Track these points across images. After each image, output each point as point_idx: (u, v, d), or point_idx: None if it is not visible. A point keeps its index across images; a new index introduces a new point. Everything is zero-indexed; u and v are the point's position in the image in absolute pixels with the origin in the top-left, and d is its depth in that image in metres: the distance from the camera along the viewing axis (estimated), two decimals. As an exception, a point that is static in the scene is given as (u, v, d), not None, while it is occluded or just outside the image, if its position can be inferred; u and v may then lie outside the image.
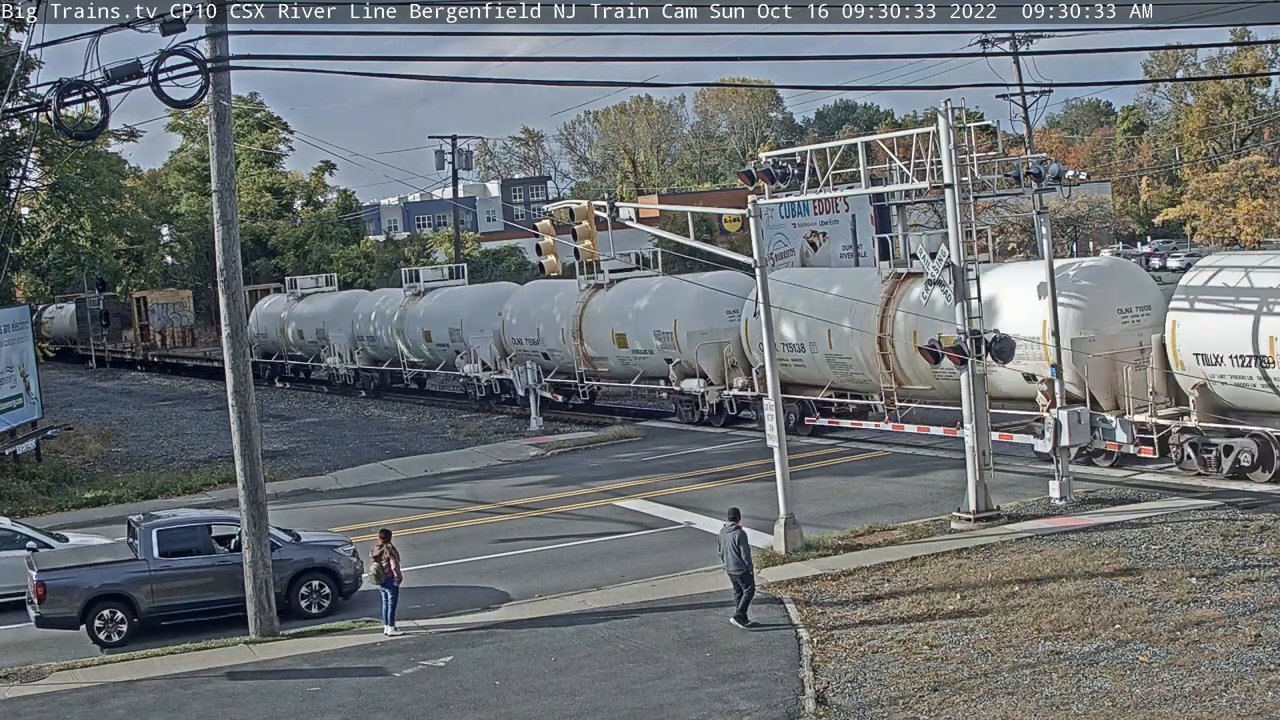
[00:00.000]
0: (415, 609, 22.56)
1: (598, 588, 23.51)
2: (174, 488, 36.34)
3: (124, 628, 22.28)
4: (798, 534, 24.51)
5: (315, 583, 22.96)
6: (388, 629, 21.35)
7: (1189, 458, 27.84)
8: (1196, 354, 27.26)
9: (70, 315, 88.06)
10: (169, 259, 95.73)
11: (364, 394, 57.86)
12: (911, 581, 21.92)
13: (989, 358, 25.77)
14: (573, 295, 44.80)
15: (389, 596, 21.35)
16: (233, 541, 23.18)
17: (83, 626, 22.23)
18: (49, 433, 42.94)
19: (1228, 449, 27.15)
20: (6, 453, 38.71)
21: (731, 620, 20.40)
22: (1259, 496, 25.79)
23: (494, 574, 25.15)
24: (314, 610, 23.04)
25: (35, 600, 22.19)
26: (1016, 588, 20.93)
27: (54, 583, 22.28)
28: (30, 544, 25.20)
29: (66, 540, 25.89)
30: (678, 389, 40.57)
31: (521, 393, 44.21)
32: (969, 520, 25.37)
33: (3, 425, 37.94)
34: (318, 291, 63.47)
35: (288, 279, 67.80)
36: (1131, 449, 28.25)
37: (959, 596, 20.75)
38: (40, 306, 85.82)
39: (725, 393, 39.07)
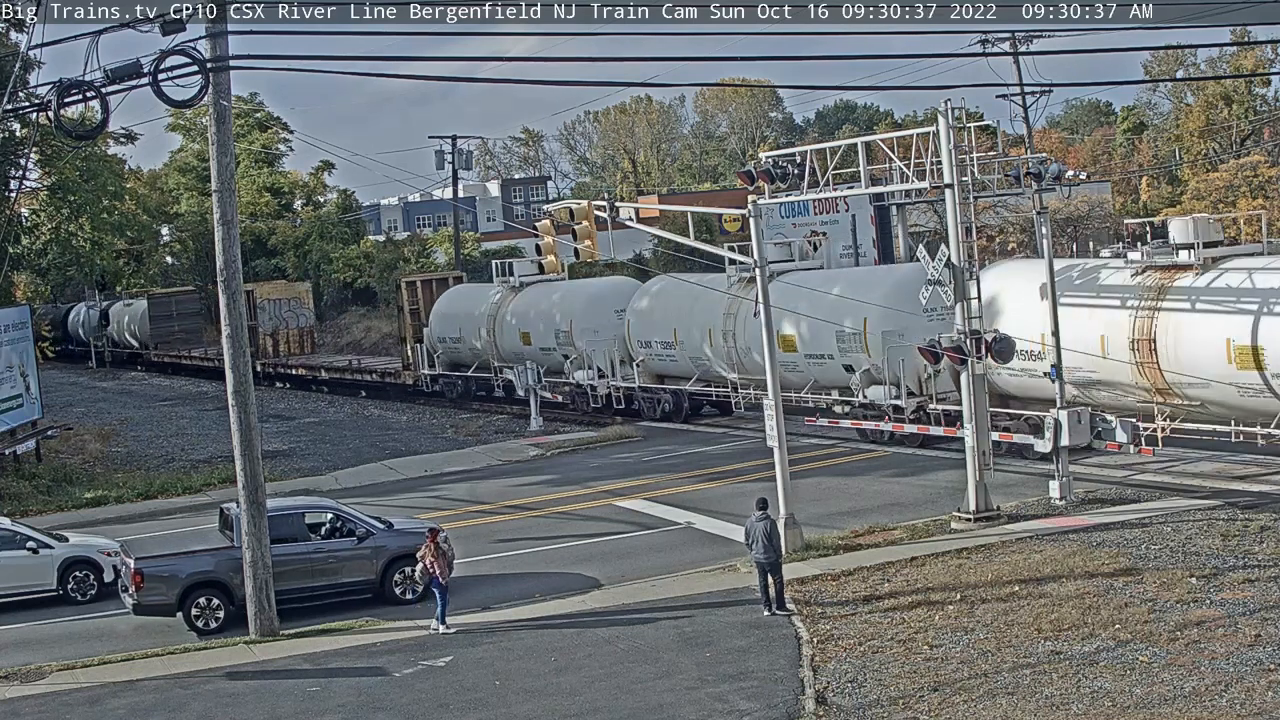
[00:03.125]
0: (416, 609, 22.63)
1: (598, 587, 23.53)
2: (174, 488, 36.39)
3: (220, 615, 22.65)
4: (798, 534, 24.52)
5: (409, 569, 22.92)
6: (440, 627, 21.34)
7: None
8: None
9: (141, 314, 77.01)
10: (169, 259, 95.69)
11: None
12: (911, 581, 21.92)
13: (989, 358, 25.79)
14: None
15: (439, 596, 21.40)
16: (324, 529, 23.78)
17: (179, 614, 22.59)
18: (49, 433, 42.96)
19: None
20: (6, 453, 38.72)
21: (769, 612, 20.62)
22: (1259, 496, 25.79)
23: (495, 574, 25.15)
24: (408, 596, 23.31)
25: (132, 588, 22.45)
26: (1016, 588, 20.94)
27: (152, 570, 22.61)
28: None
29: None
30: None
31: (521, 393, 44.18)
32: (969, 520, 25.38)
33: (3, 425, 37.97)
34: (538, 281, 47.54)
35: (496, 262, 53.31)
36: (1132, 449, 28.28)
37: (959, 596, 20.76)
38: (106, 304, 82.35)
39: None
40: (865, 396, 34.12)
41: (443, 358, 51.69)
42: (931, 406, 32.37)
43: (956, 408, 28.55)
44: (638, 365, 42.03)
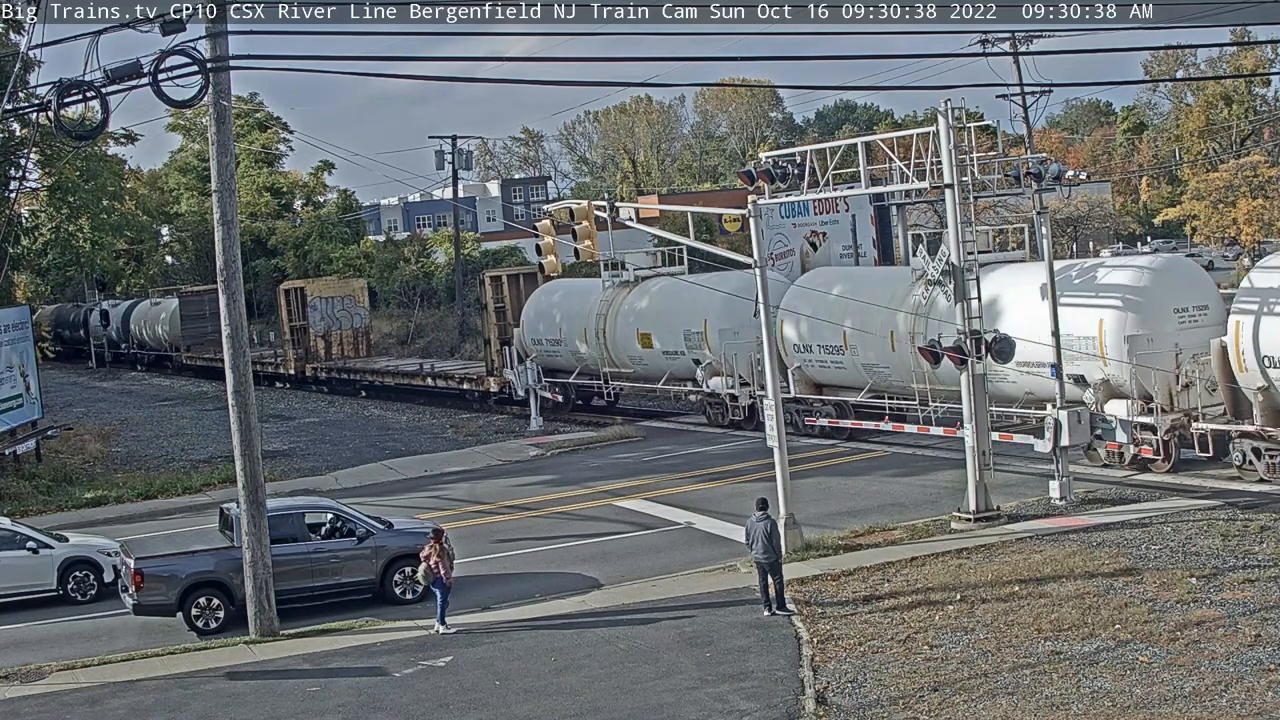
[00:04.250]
0: (416, 609, 22.63)
1: (598, 587, 23.53)
2: (174, 488, 36.39)
3: (221, 614, 22.66)
4: (798, 534, 24.52)
5: (409, 569, 22.94)
6: (440, 627, 21.35)
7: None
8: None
9: (172, 315, 72.12)
10: (169, 259, 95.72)
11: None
12: (912, 581, 21.92)
13: (989, 356, 25.78)
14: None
15: (439, 596, 21.40)
16: (324, 529, 23.79)
17: (179, 614, 22.60)
18: (49, 433, 42.96)
19: None
20: (6, 453, 38.73)
21: (769, 612, 20.64)
22: (1259, 496, 25.79)
23: (495, 574, 25.16)
24: (408, 596, 23.30)
25: (132, 588, 22.46)
26: (1016, 588, 20.94)
27: (152, 570, 22.61)
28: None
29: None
30: None
31: (522, 393, 44.13)
32: (969, 520, 25.38)
33: (3, 425, 37.97)
34: (658, 274, 42.77)
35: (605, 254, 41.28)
36: (1132, 449, 28.30)
37: (959, 596, 20.75)
38: (131, 302, 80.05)
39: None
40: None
41: (537, 362, 45.28)
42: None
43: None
44: (792, 372, 36.18)
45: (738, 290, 35.88)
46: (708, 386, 38.78)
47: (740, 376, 37.73)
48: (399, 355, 65.25)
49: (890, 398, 33.78)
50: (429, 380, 53.03)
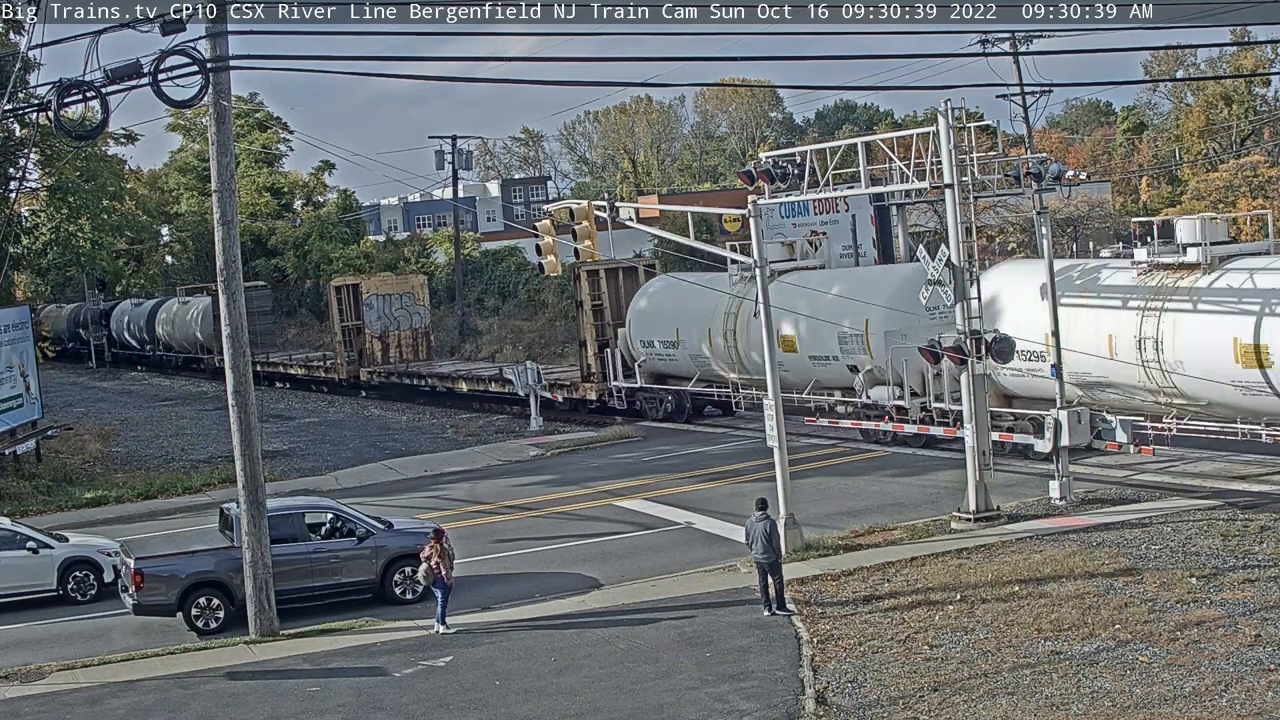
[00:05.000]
0: (416, 609, 22.63)
1: (598, 587, 23.53)
2: (174, 488, 36.40)
3: (221, 614, 22.67)
4: (798, 534, 24.52)
5: (409, 569, 22.94)
6: (440, 627, 21.35)
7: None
8: None
9: (204, 313, 66.51)
10: (169, 259, 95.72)
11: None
12: (911, 581, 21.92)
13: (989, 357, 25.79)
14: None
15: (439, 596, 21.41)
16: (324, 529, 23.80)
17: (179, 614, 22.62)
18: (49, 433, 42.97)
19: None
20: (6, 453, 38.73)
21: (769, 612, 20.65)
22: (1259, 496, 25.80)
23: (495, 574, 25.15)
24: (408, 596, 23.31)
25: (132, 588, 22.47)
26: (1016, 588, 20.94)
27: (152, 570, 22.62)
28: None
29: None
30: None
31: (522, 393, 44.08)
32: (969, 520, 25.38)
33: (3, 425, 37.98)
34: (799, 268, 37.28)
35: (733, 245, 36.37)
36: (1132, 449, 28.29)
37: (959, 596, 20.75)
38: (156, 301, 77.11)
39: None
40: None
41: (646, 367, 41.48)
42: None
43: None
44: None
45: (905, 286, 31.81)
46: (867, 397, 33.82)
47: (911, 387, 32.28)
48: (460, 357, 61.36)
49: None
50: (460, 384, 49.55)
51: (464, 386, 50.76)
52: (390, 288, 57.84)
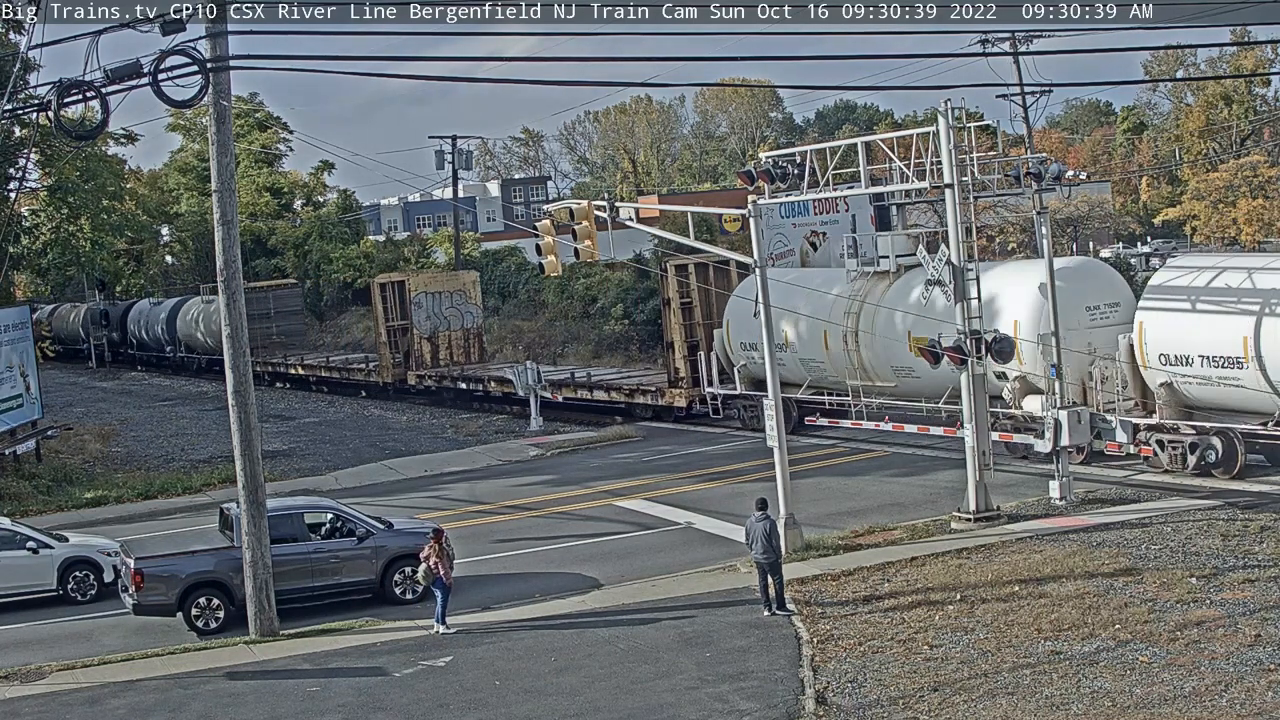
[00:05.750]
0: (416, 609, 22.63)
1: (598, 587, 23.53)
2: (174, 488, 36.40)
3: (221, 615, 22.68)
4: (798, 534, 24.53)
5: (409, 569, 22.94)
6: (440, 627, 21.36)
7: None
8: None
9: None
10: (169, 259, 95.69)
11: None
12: (911, 581, 21.92)
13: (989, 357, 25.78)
14: None
15: (439, 596, 21.42)
16: (324, 529, 23.80)
17: (179, 614, 22.63)
18: (49, 433, 42.97)
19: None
20: (6, 453, 38.73)
21: (769, 612, 20.65)
22: (1259, 496, 25.81)
23: (495, 574, 25.15)
24: (408, 596, 23.31)
25: (132, 588, 22.47)
26: (1016, 588, 20.94)
27: (152, 570, 22.62)
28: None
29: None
30: None
31: (522, 394, 44.07)
32: (969, 520, 25.39)
33: (3, 425, 37.97)
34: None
35: (849, 236, 37.62)
36: (1132, 449, 28.32)
37: (959, 596, 20.75)
38: (177, 300, 73.56)
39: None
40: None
41: (746, 372, 38.16)
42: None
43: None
44: (1159, 389, 28.40)
45: (1063, 279, 29.09)
46: (1019, 408, 30.20)
47: (1071, 399, 28.43)
48: (519, 358, 56.32)
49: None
50: (589, 393, 44.63)
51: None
52: (440, 285, 54.85)
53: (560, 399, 45.22)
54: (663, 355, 43.72)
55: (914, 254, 32.43)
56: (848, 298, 34.48)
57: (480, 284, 57.12)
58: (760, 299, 25.73)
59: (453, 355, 53.21)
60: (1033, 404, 29.64)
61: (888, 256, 34.15)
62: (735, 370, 38.53)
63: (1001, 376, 30.00)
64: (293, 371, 61.67)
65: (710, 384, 39.21)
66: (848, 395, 34.52)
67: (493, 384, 48.77)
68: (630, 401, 43.12)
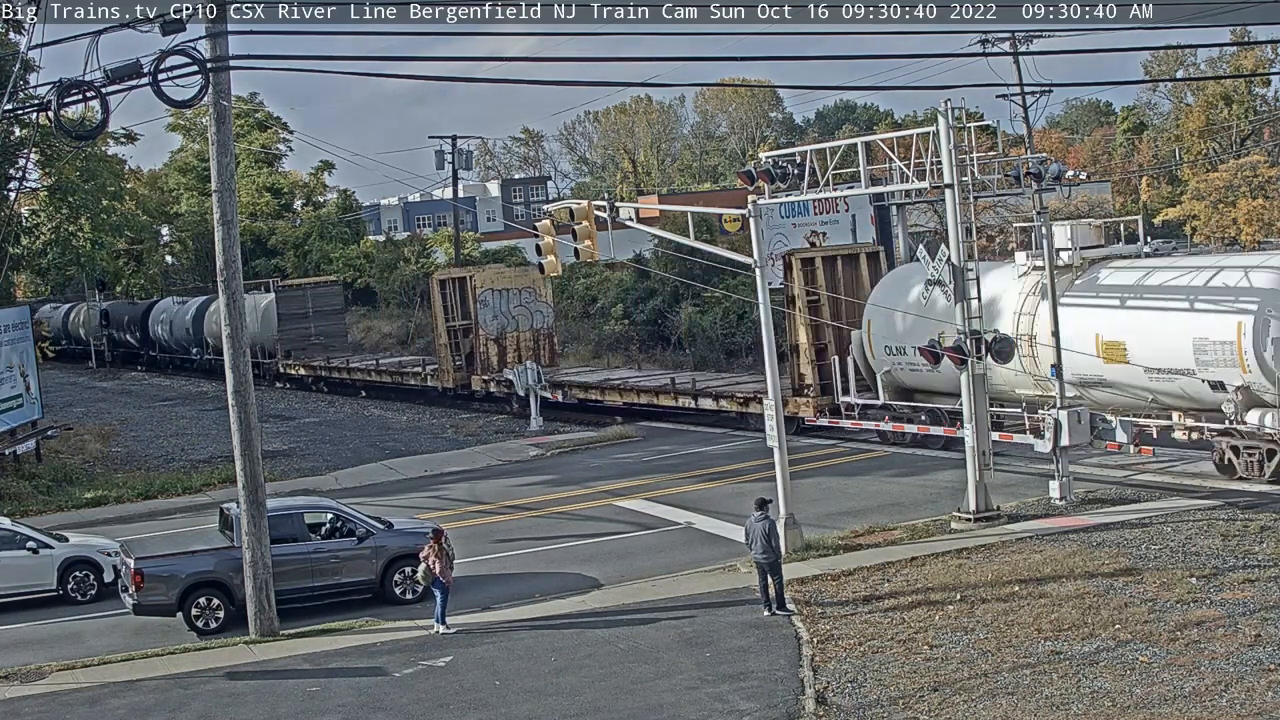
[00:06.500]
0: (416, 609, 22.63)
1: (598, 587, 23.53)
2: (174, 488, 36.40)
3: (221, 615, 22.68)
4: (798, 534, 24.53)
5: (409, 569, 22.94)
6: (440, 627, 21.36)
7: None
8: None
9: (265, 312, 60.86)
10: (169, 259, 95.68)
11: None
12: (912, 581, 21.92)
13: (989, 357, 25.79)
14: None
15: (439, 596, 21.43)
16: (324, 529, 23.81)
17: (179, 614, 22.63)
18: (49, 433, 42.97)
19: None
20: (6, 453, 38.74)
21: (769, 612, 20.65)
22: (1259, 496, 25.80)
23: (495, 574, 25.15)
24: (408, 596, 23.32)
25: (132, 588, 22.47)
26: (1016, 588, 20.94)
27: (152, 570, 22.62)
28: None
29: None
30: None
31: (522, 393, 44.07)
32: (969, 520, 25.39)
33: (3, 425, 37.98)
34: (1120, 255, 31.03)
35: (1018, 225, 34.25)
36: (1132, 449, 28.29)
37: (959, 596, 20.75)
38: (204, 299, 68.47)
39: None
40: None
41: (890, 379, 34.05)
42: None
43: None
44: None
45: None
46: (1243, 423, 26.79)
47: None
48: (582, 361, 54.61)
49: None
50: (687, 400, 40.64)
51: (616, 399, 42.86)
52: (507, 282, 49.97)
53: (638, 404, 41.58)
54: (789, 360, 36.79)
55: (1096, 244, 30.79)
56: (1019, 296, 30.60)
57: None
58: (760, 299, 25.70)
59: (520, 358, 48.16)
60: (1261, 418, 26.50)
61: (1069, 249, 30.07)
62: (878, 377, 34.22)
63: (1219, 387, 26.90)
64: (337, 376, 57.86)
65: (845, 393, 35.07)
66: (1017, 405, 29.94)
67: (616, 393, 43.10)
68: (744, 411, 38.31)
